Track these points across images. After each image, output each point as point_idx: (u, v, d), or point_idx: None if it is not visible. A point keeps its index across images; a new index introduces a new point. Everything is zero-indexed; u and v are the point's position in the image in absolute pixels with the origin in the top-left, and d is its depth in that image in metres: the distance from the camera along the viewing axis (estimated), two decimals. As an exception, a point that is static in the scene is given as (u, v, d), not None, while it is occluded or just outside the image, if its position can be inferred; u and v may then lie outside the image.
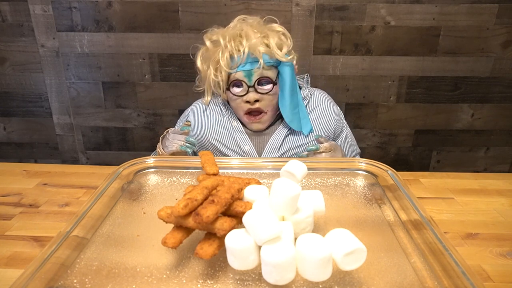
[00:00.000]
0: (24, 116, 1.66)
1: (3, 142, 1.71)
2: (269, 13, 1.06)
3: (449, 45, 1.50)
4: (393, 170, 0.78)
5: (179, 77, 1.57)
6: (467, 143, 1.67)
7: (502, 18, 1.46)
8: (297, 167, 0.65)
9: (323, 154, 0.93)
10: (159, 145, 0.99)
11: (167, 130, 1.01)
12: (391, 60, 1.53)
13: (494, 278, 0.64)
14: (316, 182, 0.77)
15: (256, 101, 0.98)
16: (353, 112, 1.60)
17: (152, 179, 0.79)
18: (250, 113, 1.01)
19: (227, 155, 1.05)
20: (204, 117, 1.08)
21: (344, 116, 1.18)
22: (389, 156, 1.69)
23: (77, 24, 1.50)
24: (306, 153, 0.95)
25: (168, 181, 0.78)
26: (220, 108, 1.07)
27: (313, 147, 0.93)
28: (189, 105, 1.18)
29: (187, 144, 0.93)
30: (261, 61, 0.94)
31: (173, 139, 0.95)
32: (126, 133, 1.67)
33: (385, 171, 0.78)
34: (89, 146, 1.70)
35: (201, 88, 1.09)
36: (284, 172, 0.66)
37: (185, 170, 0.81)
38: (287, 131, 1.03)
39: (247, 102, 0.98)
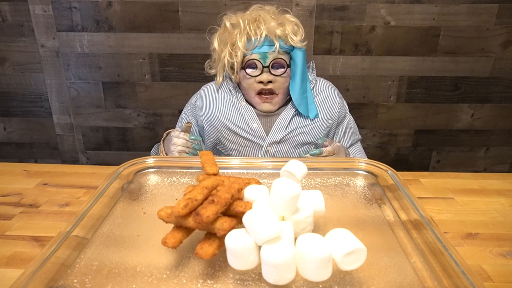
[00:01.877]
0: (24, 116, 1.66)
1: (3, 142, 1.71)
2: (269, 13, 1.06)
3: (449, 45, 1.50)
4: (393, 170, 0.78)
5: (179, 77, 1.57)
6: (467, 143, 1.67)
7: (502, 18, 1.46)
8: (297, 167, 0.65)
9: (327, 157, 0.95)
10: (162, 148, 1.00)
11: (167, 132, 1.02)
12: (391, 60, 1.53)
13: (494, 278, 0.64)
14: (316, 182, 0.77)
15: (269, 82, 1.01)
16: (353, 112, 1.59)
17: (152, 179, 0.79)
18: (261, 93, 1.03)
19: (236, 133, 1.06)
20: (214, 97, 1.10)
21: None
22: (389, 156, 1.69)
23: (77, 24, 1.50)
24: (309, 155, 0.96)
25: (168, 181, 0.78)
26: (230, 89, 1.09)
27: (317, 151, 0.94)
28: None
29: (192, 148, 0.97)
30: (277, 44, 0.98)
31: (176, 143, 0.97)
32: (126, 133, 1.67)
33: (385, 171, 0.78)
34: (89, 146, 1.70)
35: (213, 71, 1.11)
36: (284, 172, 0.65)
37: (185, 170, 0.81)
38: (294, 111, 1.05)
39: (260, 82, 1.01)
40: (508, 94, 1.58)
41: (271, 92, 1.03)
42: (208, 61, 1.12)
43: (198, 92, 1.15)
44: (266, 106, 1.04)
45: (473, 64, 1.53)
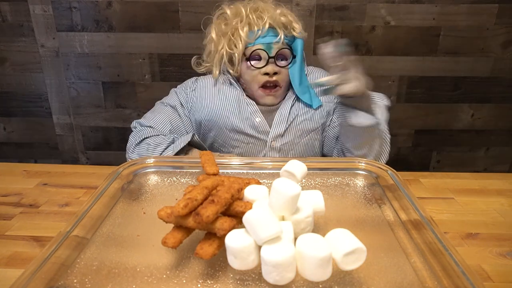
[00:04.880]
0: (24, 116, 1.66)
1: (3, 142, 1.71)
2: (269, 13, 1.06)
3: (449, 45, 1.50)
4: (393, 170, 0.78)
5: (179, 77, 1.56)
6: (467, 143, 1.67)
7: (502, 18, 1.46)
8: (297, 167, 0.65)
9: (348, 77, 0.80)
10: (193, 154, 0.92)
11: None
12: (391, 60, 1.53)
13: (494, 278, 0.64)
14: (316, 182, 0.77)
15: (275, 74, 0.98)
16: (353, 112, 1.60)
17: (152, 179, 0.79)
18: (265, 86, 1.01)
19: (239, 128, 1.03)
20: (214, 90, 1.06)
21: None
22: (389, 156, 1.69)
23: (77, 24, 1.50)
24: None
25: (168, 181, 0.78)
26: (230, 82, 1.05)
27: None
28: None
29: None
30: (281, 34, 0.96)
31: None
32: (126, 133, 1.67)
33: (385, 171, 0.78)
34: (89, 146, 1.70)
35: (204, 67, 1.07)
36: (284, 172, 0.65)
37: (185, 170, 0.81)
38: (292, 101, 1.03)
39: (266, 74, 0.98)
40: (508, 94, 1.58)
41: (275, 85, 1.00)
42: (195, 56, 1.07)
43: (194, 82, 1.09)
44: (270, 99, 1.02)
45: (473, 64, 1.53)
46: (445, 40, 1.49)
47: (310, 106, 1.03)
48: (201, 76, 1.11)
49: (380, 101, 0.94)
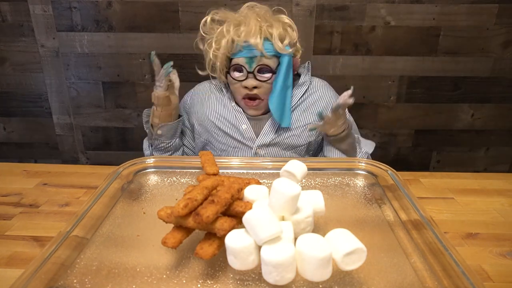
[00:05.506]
0: (24, 116, 1.66)
1: (3, 142, 1.71)
2: (269, 13, 1.06)
3: (449, 45, 1.50)
4: (393, 170, 0.78)
5: (179, 77, 1.56)
6: (467, 143, 1.67)
7: (502, 18, 1.46)
8: (297, 167, 0.65)
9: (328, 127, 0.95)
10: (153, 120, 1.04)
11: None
12: (391, 60, 1.53)
13: (494, 278, 0.64)
14: (316, 182, 0.77)
15: (255, 87, 0.98)
16: (353, 112, 1.59)
17: (152, 179, 0.79)
18: (247, 98, 1.01)
19: (226, 133, 1.05)
20: (206, 96, 1.09)
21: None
22: (389, 156, 1.69)
23: (77, 24, 1.50)
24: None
25: (168, 181, 0.78)
26: (221, 88, 1.08)
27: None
28: None
29: (165, 70, 1.02)
30: (262, 50, 0.94)
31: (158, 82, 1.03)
32: (126, 133, 1.67)
33: (385, 171, 0.78)
34: (89, 146, 1.70)
35: (206, 71, 1.08)
36: (284, 172, 0.66)
37: (185, 170, 0.81)
38: None
39: (246, 87, 0.99)
40: (508, 94, 1.58)
41: (256, 98, 1.00)
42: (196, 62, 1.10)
43: (192, 90, 1.15)
44: (252, 112, 1.04)
45: (473, 64, 1.53)
46: (445, 40, 1.49)
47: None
48: (201, 83, 1.14)
49: (364, 147, 1.06)
